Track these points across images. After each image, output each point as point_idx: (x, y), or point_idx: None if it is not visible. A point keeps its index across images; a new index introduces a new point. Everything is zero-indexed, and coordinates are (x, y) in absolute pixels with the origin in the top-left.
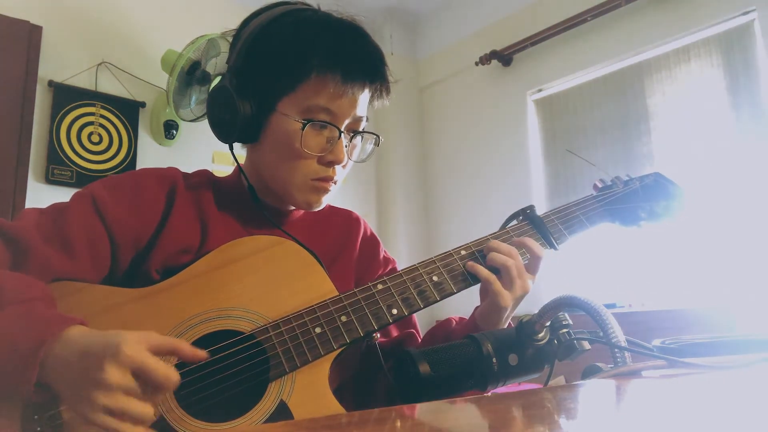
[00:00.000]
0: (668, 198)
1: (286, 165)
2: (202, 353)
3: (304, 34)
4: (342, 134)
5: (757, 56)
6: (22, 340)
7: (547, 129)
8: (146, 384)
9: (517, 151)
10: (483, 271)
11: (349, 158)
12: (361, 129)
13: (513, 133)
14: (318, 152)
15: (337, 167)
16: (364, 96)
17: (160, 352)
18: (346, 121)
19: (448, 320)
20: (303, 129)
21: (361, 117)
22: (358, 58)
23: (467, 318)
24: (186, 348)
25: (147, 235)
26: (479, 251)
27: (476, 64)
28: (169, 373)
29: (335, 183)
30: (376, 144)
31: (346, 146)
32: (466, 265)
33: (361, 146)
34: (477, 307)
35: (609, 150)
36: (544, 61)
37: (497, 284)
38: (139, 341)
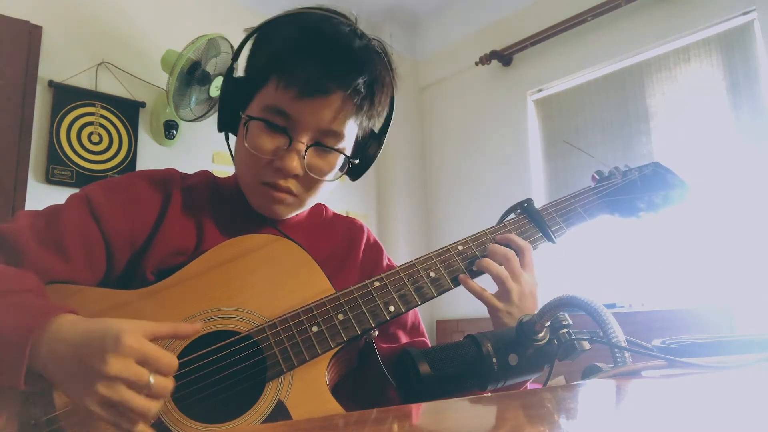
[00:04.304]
0: (667, 188)
1: (240, 164)
2: (197, 325)
3: (275, 36)
4: (293, 142)
5: (757, 56)
6: (11, 329)
7: (547, 129)
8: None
9: (517, 151)
10: (474, 286)
11: (307, 171)
12: (336, 147)
13: (513, 132)
14: (266, 155)
15: (298, 180)
16: (335, 108)
17: (157, 339)
18: (309, 132)
19: None
20: (245, 124)
21: (334, 132)
22: (323, 64)
23: None
24: (183, 328)
25: (142, 236)
26: (477, 247)
27: (476, 64)
28: (172, 360)
29: (295, 196)
30: (348, 165)
31: (302, 157)
32: (459, 278)
33: (327, 163)
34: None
35: (609, 150)
36: (544, 61)
37: (492, 299)
38: (137, 330)
